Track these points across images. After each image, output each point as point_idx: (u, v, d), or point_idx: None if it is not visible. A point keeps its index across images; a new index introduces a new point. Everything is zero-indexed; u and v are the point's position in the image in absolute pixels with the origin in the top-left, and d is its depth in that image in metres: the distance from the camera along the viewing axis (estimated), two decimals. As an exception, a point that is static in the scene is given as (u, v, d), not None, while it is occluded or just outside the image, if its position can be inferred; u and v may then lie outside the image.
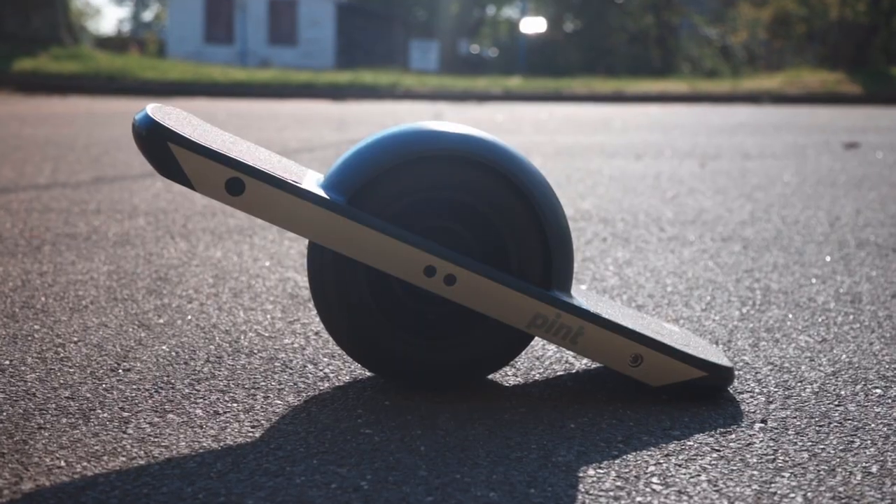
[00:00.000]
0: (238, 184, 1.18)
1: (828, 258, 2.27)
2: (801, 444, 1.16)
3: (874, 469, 1.08)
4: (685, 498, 1.01)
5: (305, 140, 5.20)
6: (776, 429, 1.20)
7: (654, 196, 3.32)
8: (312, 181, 1.26)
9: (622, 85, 12.62)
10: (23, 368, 1.38)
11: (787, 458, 1.11)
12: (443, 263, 1.23)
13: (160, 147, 1.16)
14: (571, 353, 1.49)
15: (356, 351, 1.30)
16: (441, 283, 1.23)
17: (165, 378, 1.36)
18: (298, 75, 13.28)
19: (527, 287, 1.25)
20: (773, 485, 1.04)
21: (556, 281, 1.28)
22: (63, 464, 1.07)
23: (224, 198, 1.18)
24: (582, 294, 1.40)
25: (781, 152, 4.94)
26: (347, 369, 1.41)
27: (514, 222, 1.27)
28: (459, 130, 1.27)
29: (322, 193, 1.21)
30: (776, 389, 1.35)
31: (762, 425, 1.22)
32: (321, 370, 1.41)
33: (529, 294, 1.24)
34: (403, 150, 1.24)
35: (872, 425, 1.21)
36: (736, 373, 1.41)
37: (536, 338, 1.49)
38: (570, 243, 1.29)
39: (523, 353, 1.49)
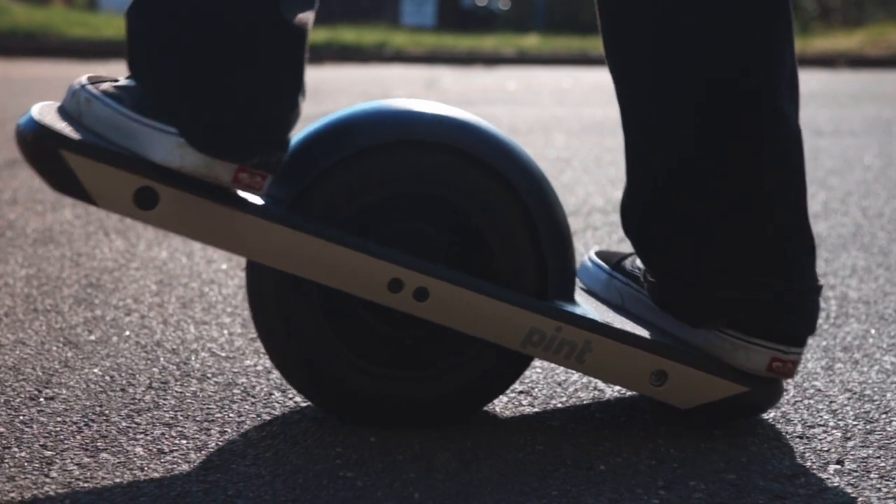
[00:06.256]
0: (149, 195, 1.17)
1: (919, 260, 2.27)
2: (886, 489, 1.16)
3: (977, 521, 1.08)
4: (742, 557, 1.01)
5: (271, 113, 5.20)
6: (855, 471, 1.20)
7: (703, 182, 3.32)
8: None
9: (664, 45, 12.56)
10: (-79, 396, 1.38)
11: (869, 508, 1.11)
12: (411, 275, 1.22)
13: (50, 156, 1.15)
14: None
15: (314, 392, 1.30)
16: (410, 298, 1.23)
17: (98, 408, 1.36)
18: (263, 33, 13.28)
19: (518, 297, 1.24)
20: (851, 541, 1.04)
21: (555, 287, 1.28)
22: (-30, 515, 1.07)
23: (134, 213, 1.18)
24: (589, 300, 1.39)
25: (861, 128, 4.95)
26: (323, 397, 1.41)
27: (497, 218, 1.27)
28: (425, 109, 1.28)
29: (254, 198, 1.21)
30: (855, 423, 1.35)
31: (838, 467, 1.22)
32: (290, 398, 1.41)
33: (521, 305, 1.24)
34: (357, 138, 1.25)
35: (975, 467, 1.21)
36: (786, 388, 1.41)
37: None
38: (569, 239, 1.29)
39: (541, 376, 1.49)
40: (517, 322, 1.24)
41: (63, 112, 1.23)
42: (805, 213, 1.29)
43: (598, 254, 1.52)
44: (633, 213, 1.32)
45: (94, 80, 1.25)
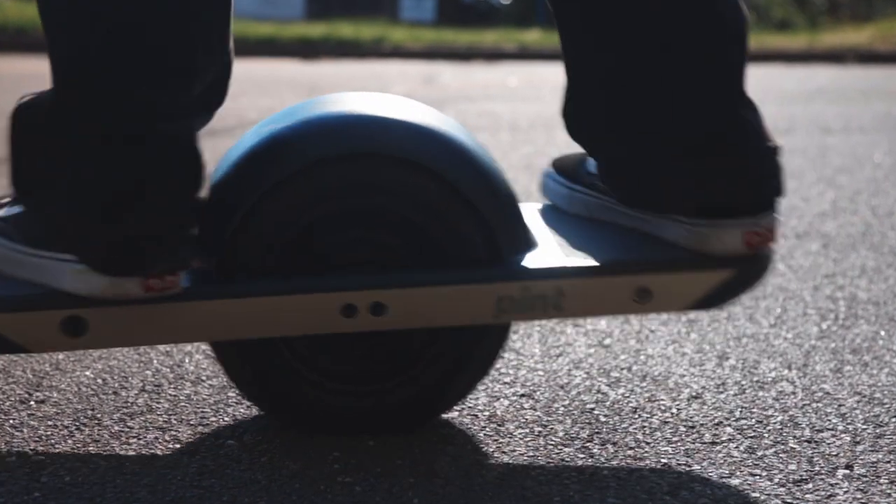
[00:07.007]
0: (76, 322, 1.16)
1: (930, 259, 2.27)
2: (896, 495, 1.16)
3: None
4: (749, 564, 1.01)
5: (267, 110, 5.20)
6: (865, 476, 1.20)
7: (709, 181, 3.32)
8: None
9: (669, 40, 12.54)
10: None
11: (879, 514, 1.11)
12: (358, 295, 1.20)
13: None
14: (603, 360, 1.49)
15: (288, 416, 1.30)
16: (368, 317, 1.21)
17: (90, 412, 1.36)
18: (259, 27, 13.31)
19: (473, 273, 1.23)
20: (860, 548, 1.04)
21: (507, 245, 1.25)
22: (-41, 521, 1.07)
23: (70, 344, 1.16)
24: (551, 233, 1.37)
25: (871, 125, 4.95)
26: (320, 401, 1.41)
27: (425, 200, 1.23)
28: (339, 112, 1.24)
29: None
30: (865, 426, 1.35)
31: (847, 472, 1.21)
32: (287, 402, 1.40)
33: (480, 280, 1.22)
34: (284, 161, 1.21)
35: None
36: (793, 389, 1.41)
37: (553, 352, 1.49)
38: (507, 189, 1.26)
39: (543, 378, 1.49)
40: (481, 297, 1.22)
41: None
42: (744, 79, 1.25)
43: (556, 166, 1.50)
44: (581, 114, 1.30)
45: None
